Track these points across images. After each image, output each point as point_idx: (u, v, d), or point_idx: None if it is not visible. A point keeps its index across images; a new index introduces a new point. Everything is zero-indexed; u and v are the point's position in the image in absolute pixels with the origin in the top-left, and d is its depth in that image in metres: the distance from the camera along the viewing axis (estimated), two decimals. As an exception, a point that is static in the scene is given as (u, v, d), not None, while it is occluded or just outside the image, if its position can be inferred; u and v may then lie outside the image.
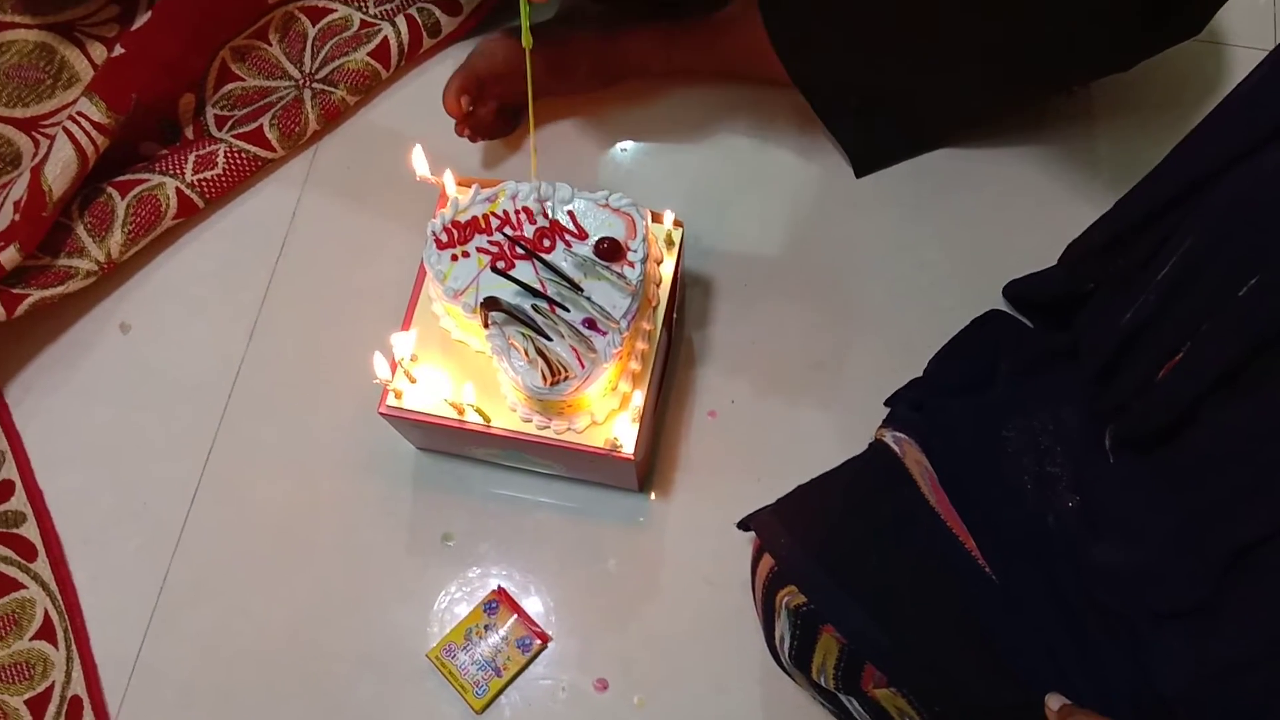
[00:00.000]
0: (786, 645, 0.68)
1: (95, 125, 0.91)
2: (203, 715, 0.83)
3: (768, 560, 0.70)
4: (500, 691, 0.81)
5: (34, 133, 1.00)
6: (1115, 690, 0.60)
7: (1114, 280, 0.70)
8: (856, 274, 0.94)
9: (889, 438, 0.75)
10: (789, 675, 0.74)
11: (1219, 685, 0.56)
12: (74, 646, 0.84)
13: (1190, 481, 0.60)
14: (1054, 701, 0.59)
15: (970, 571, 0.66)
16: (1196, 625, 0.58)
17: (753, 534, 0.74)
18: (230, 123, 1.01)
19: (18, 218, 0.90)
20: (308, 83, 1.01)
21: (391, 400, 0.78)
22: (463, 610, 0.84)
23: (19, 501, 0.89)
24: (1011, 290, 0.88)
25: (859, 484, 0.73)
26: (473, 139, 0.97)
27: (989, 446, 0.72)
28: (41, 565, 0.87)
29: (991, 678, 0.63)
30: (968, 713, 0.62)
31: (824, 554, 0.67)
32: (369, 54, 1.00)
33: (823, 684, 0.67)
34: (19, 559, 0.87)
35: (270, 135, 0.99)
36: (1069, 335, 0.75)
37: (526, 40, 0.74)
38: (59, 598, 0.86)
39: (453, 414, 0.77)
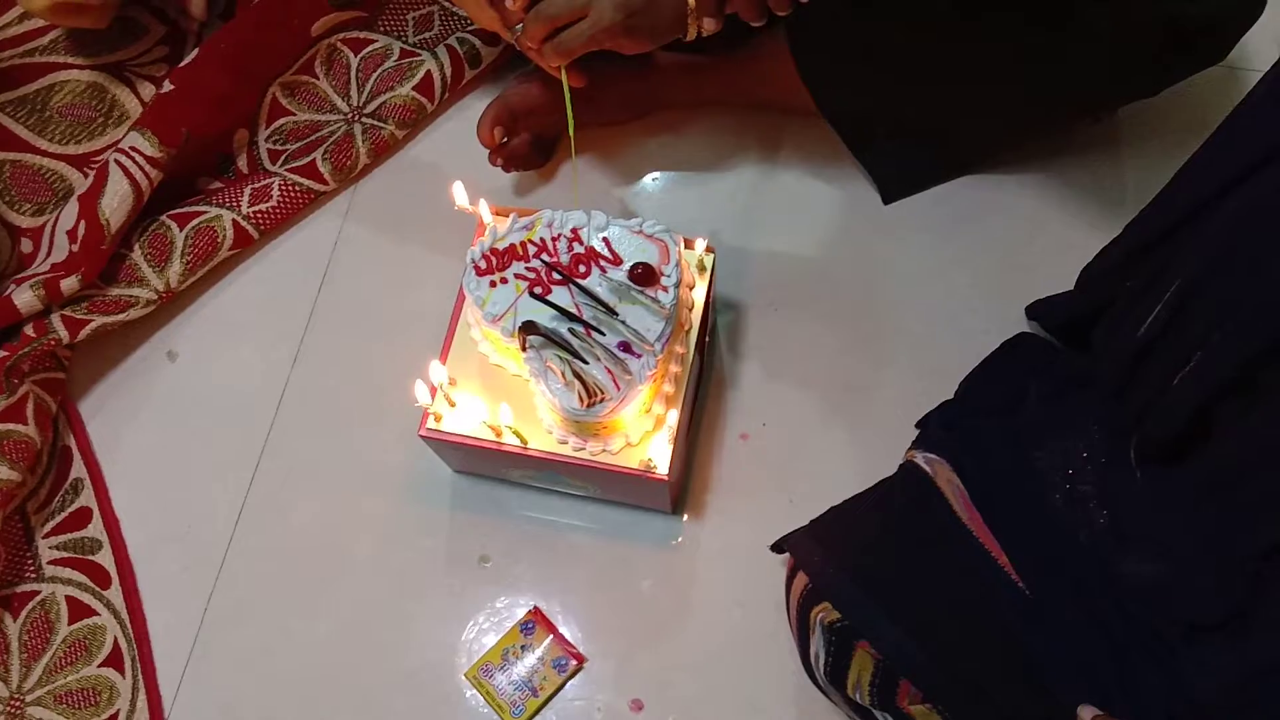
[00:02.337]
0: (822, 662, 0.69)
1: (148, 160, 0.95)
2: (245, 734, 0.85)
3: (801, 578, 0.71)
4: (537, 712, 0.82)
5: (85, 169, 1.03)
6: (1150, 705, 0.60)
7: (1127, 298, 0.71)
8: (886, 298, 0.95)
9: (920, 458, 0.75)
10: (824, 693, 0.74)
11: (1254, 691, 0.56)
12: (140, 676, 0.86)
13: (1215, 491, 0.61)
14: (1086, 713, 0.59)
15: (1004, 587, 0.66)
16: (1228, 634, 0.58)
17: (787, 554, 0.75)
18: (284, 157, 1.04)
19: (75, 248, 0.93)
20: (357, 117, 1.04)
21: (431, 423, 0.80)
22: (499, 631, 0.85)
23: (95, 529, 0.91)
24: (1033, 311, 0.89)
25: (891, 503, 0.74)
26: (505, 169, 0.99)
27: (1020, 466, 0.73)
28: (114, 593, 0.89)
29: (1027, 692, 0.63)
30: None
31: (858, 571, 0.68)
32: (414, 88, 1.04)
33: (858, 700, 0.68)
34: (93, 585, 0.89)
35: (323, 169, 1.02)
36: (1090, 356, 0.76)
37: (571, 126, 0.80)
38: (129, 626, 0.88)
39: (491, 436, 0.79)
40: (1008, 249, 0.96)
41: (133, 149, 0.95)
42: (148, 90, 1.06)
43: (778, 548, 0.79)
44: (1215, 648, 0.59)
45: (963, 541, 0.68)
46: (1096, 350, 0.75)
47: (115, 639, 0.87)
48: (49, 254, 0.97)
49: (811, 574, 0.68)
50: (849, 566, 0.67)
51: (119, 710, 0.85)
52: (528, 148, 0.99)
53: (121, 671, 0.86)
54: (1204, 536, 0.61)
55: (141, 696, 0.85)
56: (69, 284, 0.92)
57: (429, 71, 1.04)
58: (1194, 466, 0.63)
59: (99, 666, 0.86)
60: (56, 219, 0.97)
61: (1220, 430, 0.61)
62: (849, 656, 0.66)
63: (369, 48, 1.07)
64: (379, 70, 1.06)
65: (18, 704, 0.86)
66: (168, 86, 0.98)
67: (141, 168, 0.95)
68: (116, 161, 0.95)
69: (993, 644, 0.64)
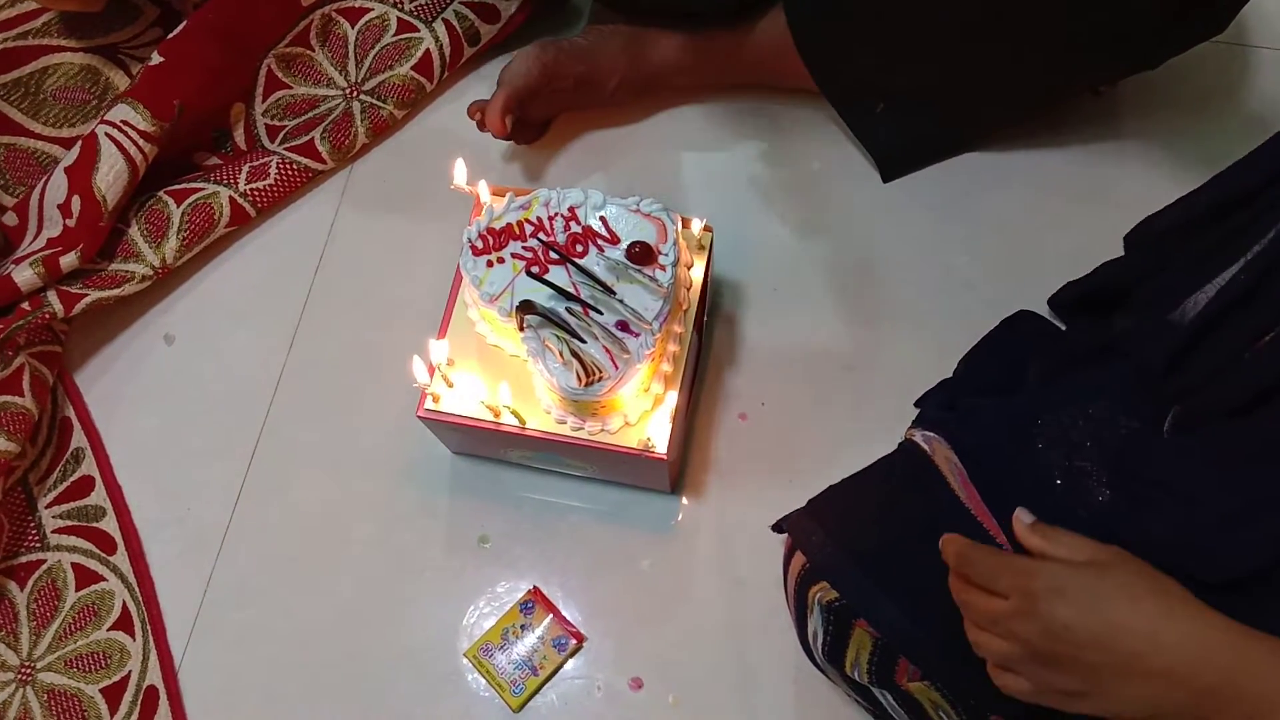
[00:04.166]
0: (820, 641, 0.69)
1: (141, 134, 0.94)
2: (245, 714, 0.85)
3: (799, 558, 0.70)
4: (537, 690, 0.83)
5: (78, 151, 1.03)
6: None
7: (1192, 261, 0.68)
8: (885, 276, 0.95)
9: (918, 436, 0.75)
10: (823, 672, 0.74)
11: None
12: (151, 637, 0.87)
13: (1262, 460, 0.58)
14: (1025, 516, 0.59)
15: None
16: (1246, 599, 0.57)
17: (785, 534, 0.74)
18: (282, 134, 1.03)
19: (71, 223, 0.93)
20: (356, 93, 1.04)
21: (429, 404, 0.80)
22: (499, 611, 0.85)
23: (99, 496, 0.92)
24: (1067, 293, 0.86)
25: (889, 481, 0.74)
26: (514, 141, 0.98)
27: (1018, 443, 0.72)
28: (120, 558, 0.90)
29: None
30: (1002, 704, 0.62)
31: (855, 550, 0.67)
32: (413, 68, 1.03)
33: (856, 679, 0.68)
34: (99, 552, 0.90)
35: (321, 148, 1.01)
36: (1104, 331, 0.75)
37: None
38: (137, 590, 0.89)
39: (489, 416, 0.79)
40: (1008, 226, 0.95)
41: (124, 123, 0.94)
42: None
43: (777, 528, 0.79)
44: (1235, 612, 0.57)
45: (960, 520, 0.67)
46: (1134, 319, 0.72)
47: (124, 603, 0.88)
48: (39, 228, 0.96)
49: (809, 553, 0.68)
50: (847, 546, 0.67)
51: (130, 671, 0.86)
52: (523, 126, 0.99)
53: (131, 634, 0.87)
54: (1236, 504, 0.58)
55: (153, 657, 0.86)
56: (68, 260, 0.92)
57: (428, 50, 1.03)
58: (1237, 434, 0.60)
59: (109, 630, 0.87)
60: (43, 191, 0.96)
61: (1274, 399, 0.58)
62: (847, 635, 0.66)
63: (365, 17, 1.06)
64: (378, 45, 1.05)
65: (28, 671, 0.87)
66: (156, 59, 0.97)
67: (135, 142, 0.94)
68: (109, 135, 0.94)
69: None
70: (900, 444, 0.77)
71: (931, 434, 0.74)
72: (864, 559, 0.66)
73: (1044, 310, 0.89)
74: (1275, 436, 0.59)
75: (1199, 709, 0.50)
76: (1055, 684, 0.55)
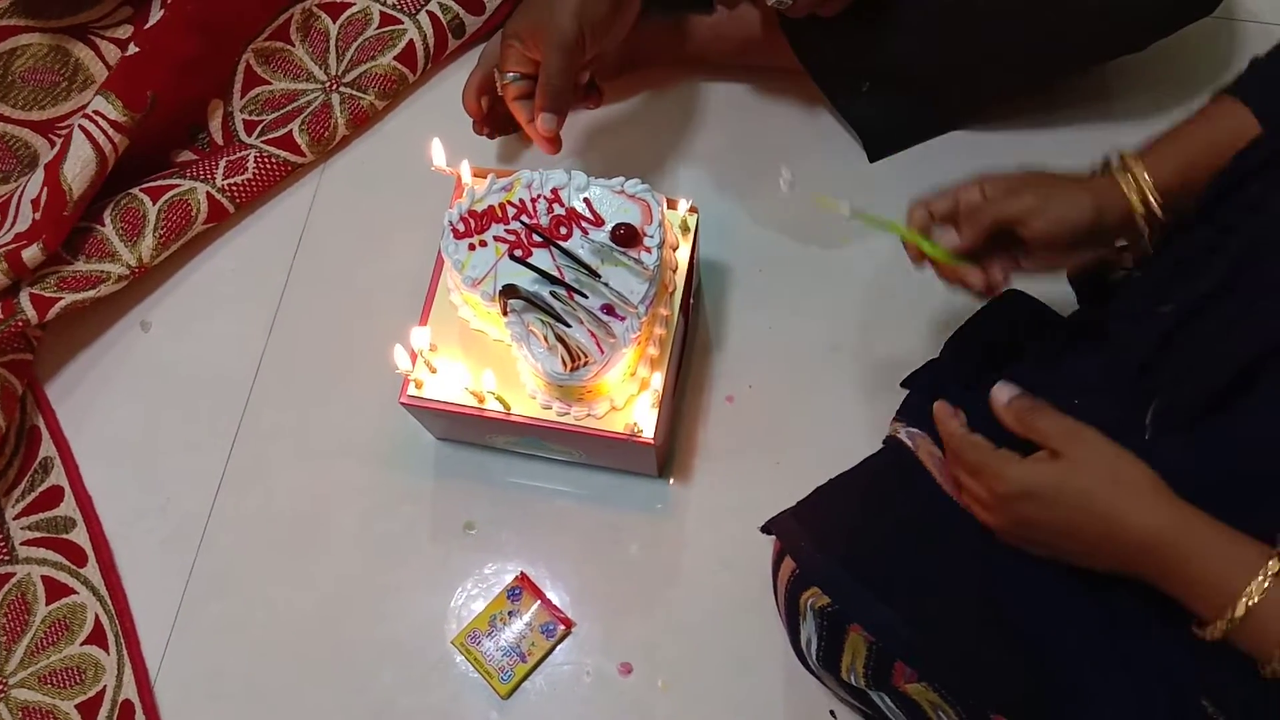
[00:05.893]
0: (814, 648, 0.68)
1: (112, 124, 0.92)
2: (230, 705, 0.84)
3: (789, 563, 0.69)
4: (525, 676, 0.82)
5: (51, 135, 1.01)
6: (1145, 668, 0.60)
7: (1185, 250, 0.67)
8: (871, 257, 0.94)
9: (902, 433, 0.74)
10: (816, 677, 0.73)
11: None
12: (125, 650, 0.85)
13: (1239, 460, 0.58)
14: (1002, 394, 0.64)
15: (994, 560, 0.65)
16: None
17: (773, 536, 0.73)
18: (260, 128, 1.01)
19: (38, 216, 0.91)
20: (335, 86, 1.02)
21: (412, 390, 0.79)
22: (486, 598, 0.85)
23: (68, 507, 0.90)
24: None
25: (876, 482, 0.73)
26: (490, 136, 0.97)
27: (1001, 435, 0.71)
28: (91, 570, 0.88)
29: (1020, 665, 0.62)
30: (1001, 702, 0.62)
31: (845, 554, 0.66)
32: (395, 58, 1.01)
33: (852, 682, 0.67)
34: (69, 564, 0.88)
35: (300, 140, 0.99)
36: (1099, 314, 0.74)
37: None
38: (109, 602, 0.87)
39: (473, 402, 0.78)
40: (994, 205, 0.95)
41: (96, 113, 0.92)
42: (111, 52, 1.03)
43: (766, 530, 0.77)
44: None
45: (948, 517, 0.67)
46: (1125, 306, 0.71)
47: (96, 616, 0.86)
48: (13, 224, 0.94)
49: (798, 559, 0.67)
50: (836, 550, 0.66)
51: (105, 686, 0.84)
52: (508, 112, 0.97)
53: (105, 648, 0.85)
54: (1218, 506, 0.59)
55: (127, 671, 0.84)
56: (31, 254, 0.89)
57: (411, 41, 1.01)
58: (1218, 434, 0.60)
59: (81, 645, 0.85)
60: (23, 189, 0.94)
61: (1252, 394, 0.58)
62: (841, 640, 0.65)
63: (347, 12, 1.04)
64: (359, 39, 1.03)
65: (1, 688, 0.85)
66: (133, 49, 0.95)
67: (105, 132, 0.92)
68: (80, 127, 0.92)
69: (983, 619, 0.63)
70: (885, 440, 0.76)
71: (915, 430, 0.73)
72: (854, 562, 0.65)
73: (1031, 289, 0.88)
74: (1250, 438, 0.59)
75: (1160, 575, 0.58)
76: (1028, 546, 0.63)
